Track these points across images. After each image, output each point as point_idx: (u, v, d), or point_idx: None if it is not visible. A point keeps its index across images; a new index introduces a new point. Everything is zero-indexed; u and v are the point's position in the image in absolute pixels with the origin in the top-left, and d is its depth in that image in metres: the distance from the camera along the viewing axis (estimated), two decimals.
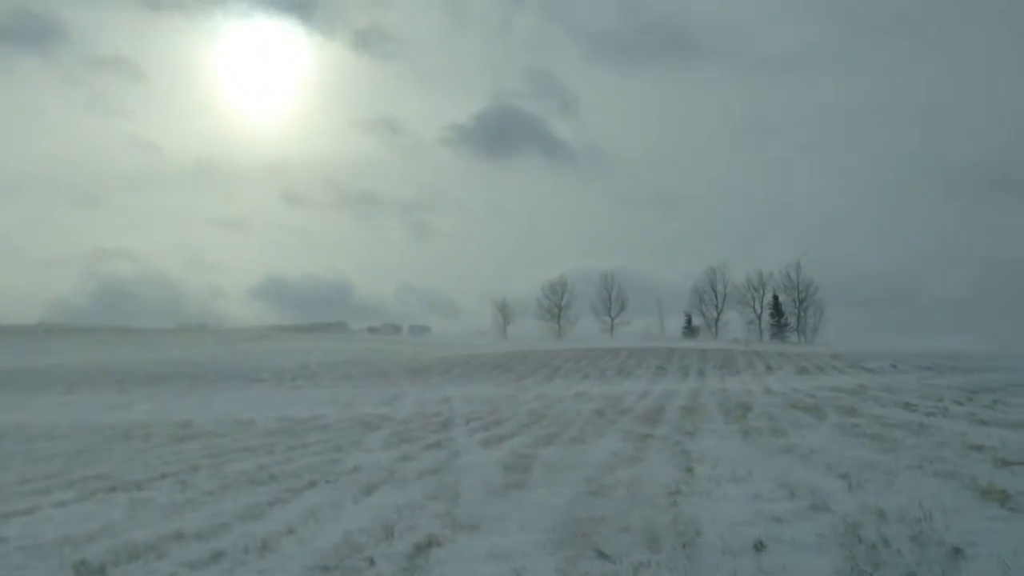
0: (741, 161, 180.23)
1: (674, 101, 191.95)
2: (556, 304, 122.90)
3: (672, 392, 31.47)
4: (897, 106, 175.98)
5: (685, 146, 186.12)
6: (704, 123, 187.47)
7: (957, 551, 5.88)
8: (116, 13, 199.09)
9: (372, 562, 6.43)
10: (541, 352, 63.99)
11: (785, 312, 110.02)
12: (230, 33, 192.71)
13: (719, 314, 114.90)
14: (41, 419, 27.84)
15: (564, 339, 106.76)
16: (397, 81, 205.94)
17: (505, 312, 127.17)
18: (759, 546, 6.28)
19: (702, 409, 21.89)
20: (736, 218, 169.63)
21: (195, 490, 10.53)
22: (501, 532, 7.28)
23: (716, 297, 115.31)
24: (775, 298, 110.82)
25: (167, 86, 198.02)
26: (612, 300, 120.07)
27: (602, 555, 6.28)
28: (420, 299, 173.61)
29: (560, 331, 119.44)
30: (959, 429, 14.36)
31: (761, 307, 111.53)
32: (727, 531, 6.76)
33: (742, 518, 7.31)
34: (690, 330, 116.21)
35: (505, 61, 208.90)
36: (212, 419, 24.92)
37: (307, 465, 12.73)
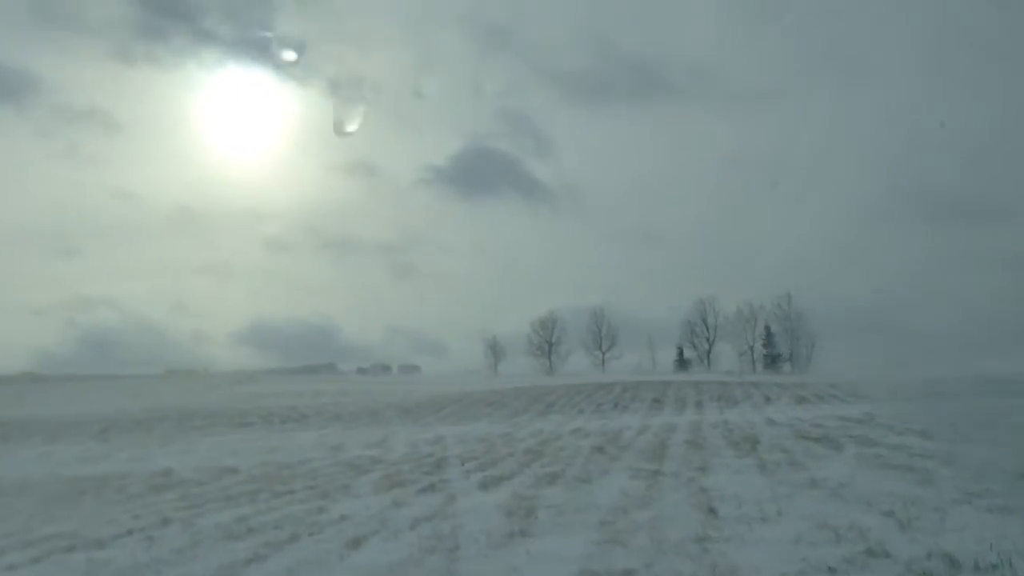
0: (720, 196, 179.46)
1: (650, 139, 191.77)
2: (546, 340, 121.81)
3: (671, 426, 30.39)
4: (870, 138, 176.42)
5: (664, 183, 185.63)
6: (680, 160, 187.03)
7: None
8: (88, 65, 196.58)
9: None
10: (534, 388, 62.74)
11: (778, 343, 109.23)
12: (204, 83, 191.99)
13: (711, 346, 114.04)
14: (14, 472, 26.49)
15: (556, 375, 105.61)
16: (372, 125, 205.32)
17: (496, 350, 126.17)
18: None
19: (707, 442, 20.87)
20: (720, 252, 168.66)
21: (162, 547, 9.43)
22: None
23: (707, 329, 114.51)
24: (767, 329, 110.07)
25: (143, 136, 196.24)
26: (603, 335, 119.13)
27: None
28: (407, 340, 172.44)
29: (551, 367, 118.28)
30: (991, 458, 13.41)
31: (753, 338, 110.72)
32: None
33: (789, 568, 6.31)
34: (682, 363, 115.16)
35: (479, 103, 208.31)
36: (194, 466, 23.68)
37: (290, 515, 11.64)
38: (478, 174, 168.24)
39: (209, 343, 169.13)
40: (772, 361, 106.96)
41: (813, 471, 12.98)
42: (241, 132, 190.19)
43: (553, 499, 11.50)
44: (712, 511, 9.58)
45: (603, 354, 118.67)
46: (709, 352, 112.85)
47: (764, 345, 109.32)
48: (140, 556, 8.96)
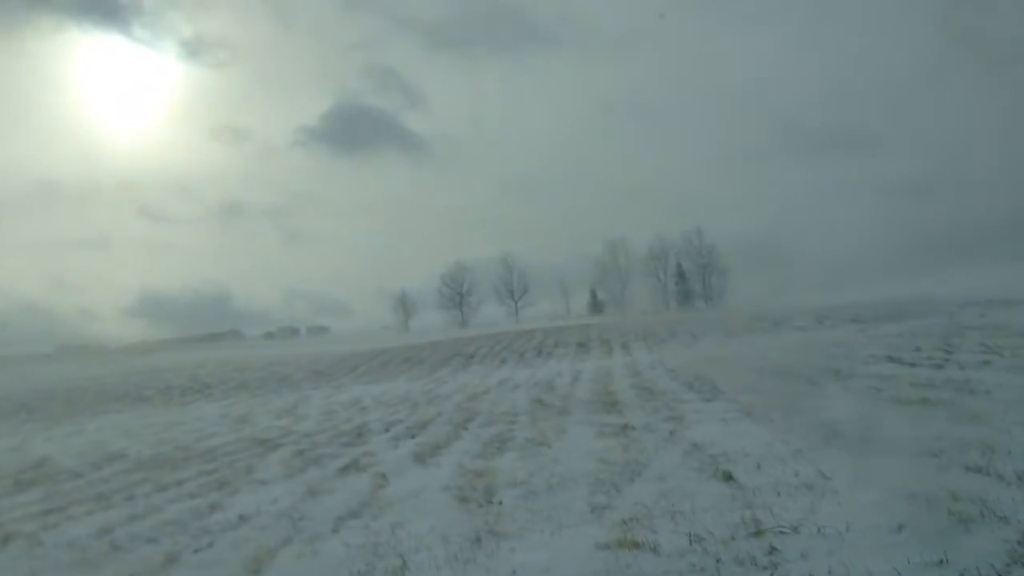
0: (600, 141, 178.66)
1: (522, 87, 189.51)
2: (457, 292, 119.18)
3: (606, 370, 28.40)
4: (743, 76, 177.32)
5: (543, 131, 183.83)
6: (557, 107, 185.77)
7: None
8: None
9: None
10: (450, 341, 60.36)
11: (690, 279, 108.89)
12: (46, 52, 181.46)
13: (624, 287, 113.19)
14: None
15: (470, 327, 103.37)
16: (235, 88, 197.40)
17: (405, 305, 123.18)
18: None
19: (657, 386, 18.80)
20: (612, 195, 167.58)
21: None
22: None
23: (619, 270, 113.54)
24: (679, 265, 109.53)
25: None
26: (515, 283, 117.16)
27: None
28: (307, 302, 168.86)
29: (464, 319, 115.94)
30: (1012, 383, 11.53)
31: (666, 276, 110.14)
32: None
33: None
34: (596, 305, 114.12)
35: (342, 60, 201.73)
36: (76, 452, 20.57)
37: (173, 519, 8.96)
38: (353, 132, 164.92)
39: (99, 319, 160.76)
40: (686, 297, 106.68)
41: (812, 413, 10.87)
42: (98, 101, 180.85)
43: (512, 473, 9.10)
44: (730, 478, 7.31)
45: (516, 303, 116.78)
46: (623, 293, 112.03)
47: (676, 282, 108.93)
48: None
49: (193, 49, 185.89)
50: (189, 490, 11.18)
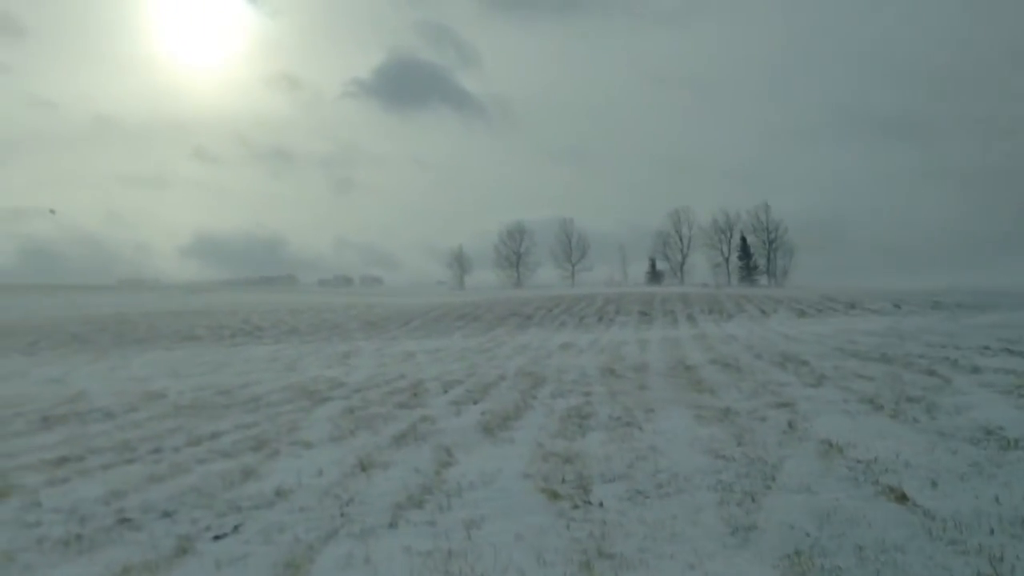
0: (654, 112, 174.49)
1: (577, 54, 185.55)
2: (515, 251, 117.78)
3: (674, 340, 26.66)
4: (804, 54, 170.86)
5: (595, 99, 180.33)
6: (609, 76, 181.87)
7: None
8: None
9: None
10: (507, 300, 58.88)
11: (754, 254, 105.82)
12: None
13: (684, 258, 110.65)
14: None
15: (525, 287, 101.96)
16: (290, 37, 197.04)
17: (461, 261, 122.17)
18: None
19: (741, 363, 17.04)
20: (663, 166, 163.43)
21: None
22: None
23: (681, 240, 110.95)
24: (743, 239, 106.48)
25: (52, 42, 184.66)
26: (572, 246, 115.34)
27: None
28: (359, 253, 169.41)
29: (519, 279, 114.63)
30: None
31: (729, 249, 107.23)
32: None
33: None
34: (655, 275, 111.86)
35: (397, 14, 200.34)
36: (115, 389, 19.47)
37: (197, 486, 7.50)
38: (405, 87, 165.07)
39: (154, 256, 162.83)
40: (748, 273, 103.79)
41: (958, 412, 9.10)
42: (157, 41, 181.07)
43: (605, 461, 7.47)
44: (904, 498, 5.61)
45: (573, 266, 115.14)
46: (683, 264, 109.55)
47: (740, 256, 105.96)
48: None
49: None
50: (223, 447, 9.77)
